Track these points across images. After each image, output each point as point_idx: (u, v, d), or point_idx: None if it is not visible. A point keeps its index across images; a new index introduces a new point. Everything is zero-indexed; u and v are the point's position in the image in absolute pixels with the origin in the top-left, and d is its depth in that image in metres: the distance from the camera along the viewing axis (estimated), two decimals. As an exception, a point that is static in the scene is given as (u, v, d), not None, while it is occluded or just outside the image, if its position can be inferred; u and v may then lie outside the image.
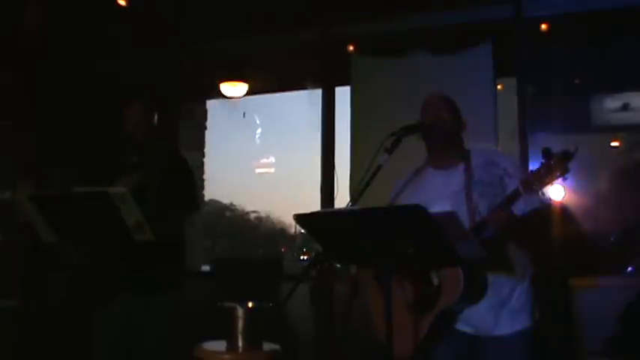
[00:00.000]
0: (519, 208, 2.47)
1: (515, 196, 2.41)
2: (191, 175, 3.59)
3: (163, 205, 3.23)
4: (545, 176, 2.32)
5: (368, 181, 2.58)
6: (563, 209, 5.59)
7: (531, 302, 2.67)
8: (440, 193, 2.72)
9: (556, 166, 2.31)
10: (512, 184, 2.54)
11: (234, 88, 6.85)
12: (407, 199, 2.79)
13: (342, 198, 5.31)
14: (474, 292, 2.52)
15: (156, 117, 3.58)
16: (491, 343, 2.61)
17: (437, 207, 2.07)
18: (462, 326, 2.65)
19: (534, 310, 2.68)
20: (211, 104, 9.32)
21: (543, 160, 2.35)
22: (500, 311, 2.60)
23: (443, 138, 2.76)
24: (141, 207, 2.83)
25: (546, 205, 2.61)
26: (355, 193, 2.54)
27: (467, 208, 2.62)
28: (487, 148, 3.14)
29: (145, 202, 2.91)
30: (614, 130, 6.42)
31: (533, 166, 2.52)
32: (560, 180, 2.33)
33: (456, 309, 2.56)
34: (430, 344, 2.55)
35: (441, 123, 2.74)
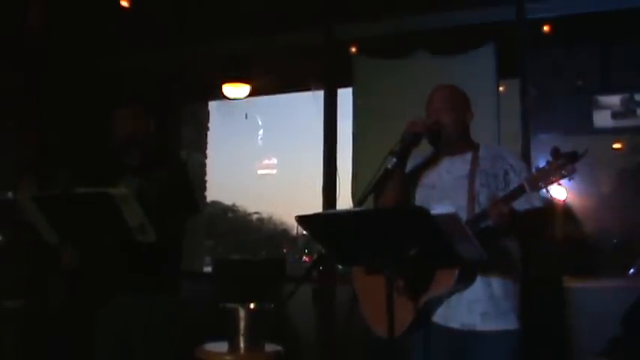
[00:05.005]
0: (519, 204, 2.47)
1: (519, 192, 2.41)
2: (189, 179, 3.56)
3: (163, 209, 3.22)
4: (551, 174, 2.33)
5: (376, 183, 2.56)
6: (566, 210, 5.60)
7: (520, 304, 2.66)
8: (444, 178, 2.74)
9: (563, 165, 2.31)
10: (516, 180, 2.57)
11: (236, 90, 6.85)
12: (415, 179, 2.82)
13: (344, 199, 5.32)
14: (466, 281, 2.54)
15: (151, 121, 3.56)
16: (477, 339, 2.60)
17: (439, 208, 2.07)
18: (449, 322, 2.64)
19: (523, 312, 2.68)
20: (213, 105, 9.33)
21: (551, 159, 2.35)
22: (488, 308, 2.60)
23: (443, 141, 2.75)
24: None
25: (546, 204, 2.60)
26: (362, 195, 2.52)
27: (467, 195, 2.63)
28: (496, 145, 3.16)
29: (145, 206, 2.90)
30: (617, 132, 6.41)
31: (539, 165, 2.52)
32: (565, 180, 2.34)
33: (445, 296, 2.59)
34: (414, 329, 2.57)
35: (441, 129, 2.72)
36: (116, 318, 3.35)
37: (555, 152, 2.33)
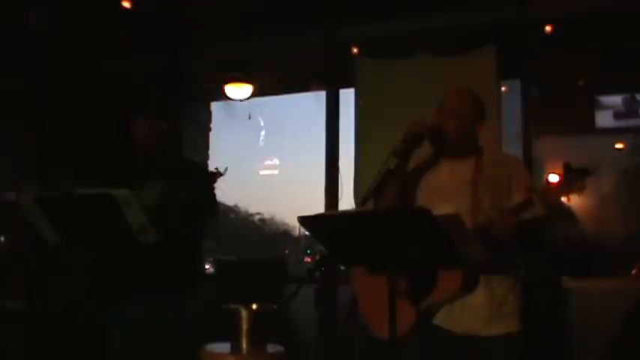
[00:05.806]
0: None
1: (528, 204, 2.41)
2: (210, 180, 3.57)
3: (188, 214, 3.22)
4: (561, 190, 2.33)
5: (377, 184, 2.56)
6: (568, 211, 5.59)
7: (522, 306, 2.66)
8: (446, 181, 2.73)
9: (574, 182, 2.31)
10: (519, 187, 2.57)
11: (238, 90, 6.85)
12: (416, 180, 2.79)
13: (346, 200, 5.32)
14: (469, 288, 2.53)
15: (162, 123, 3.56)
16: (480, 344, 2.60)
17: (441, 209, 2.07)
18: (451, 326, 2.64)
19: (525, 314, 2.68)
20: (215, 106, 9.32)
21: (563, 175, 2.35)
22: (492, 312, 2.59)
23: (444, 144, 2.75)
24: (165, 216, 2.83)
25: (548, 209, 2.60)
26: (364, 196, 2.51)
27: (471, 200, 2.62)
28: (499, 150, 3.15)
29: (170, 210, 2.91)
30: (619, 133, 6.42)
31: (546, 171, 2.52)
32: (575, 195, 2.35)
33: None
34: (415, 332, 2.55)
35: (442, 130, 2.71)
36: (130, 319, 3.35)
37: (567, 168, 2.34)
